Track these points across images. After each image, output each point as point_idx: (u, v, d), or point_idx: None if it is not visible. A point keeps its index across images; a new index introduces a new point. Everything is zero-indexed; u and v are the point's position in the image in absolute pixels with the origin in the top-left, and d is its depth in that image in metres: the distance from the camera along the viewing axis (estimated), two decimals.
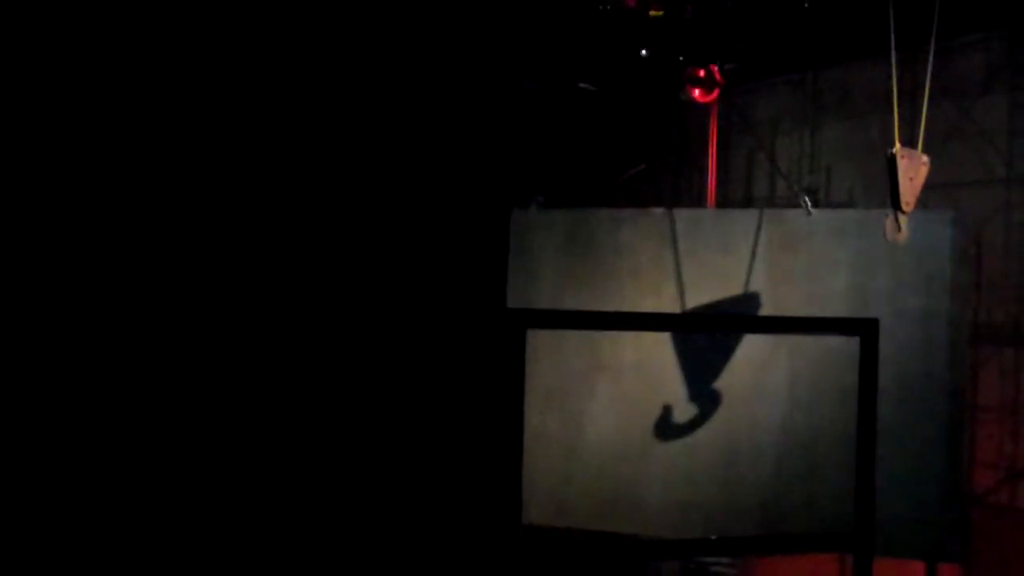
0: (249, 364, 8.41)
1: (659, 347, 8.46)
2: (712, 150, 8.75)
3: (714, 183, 8.74)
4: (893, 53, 7.48)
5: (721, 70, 8.64)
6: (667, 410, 8.41)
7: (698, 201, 8.98)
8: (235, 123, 8.36)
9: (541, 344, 8.61)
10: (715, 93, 8.66)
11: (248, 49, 8.31)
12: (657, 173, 9.14)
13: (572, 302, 8.59)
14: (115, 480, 8.01)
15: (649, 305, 8.53)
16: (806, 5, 8.47)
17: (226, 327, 8.40)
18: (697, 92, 8.64)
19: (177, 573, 8.12)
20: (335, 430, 8.54)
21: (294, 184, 8.42)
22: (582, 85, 9.11)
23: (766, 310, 8.34)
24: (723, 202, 9.24)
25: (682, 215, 8.55)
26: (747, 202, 9.16)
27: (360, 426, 8.55)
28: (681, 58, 8.63)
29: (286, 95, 8.49)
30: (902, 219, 7.21)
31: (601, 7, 8.41)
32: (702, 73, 8.63)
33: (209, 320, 8.35)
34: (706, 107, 8.73)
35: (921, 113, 7.33)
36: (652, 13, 8.37)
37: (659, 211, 8.58)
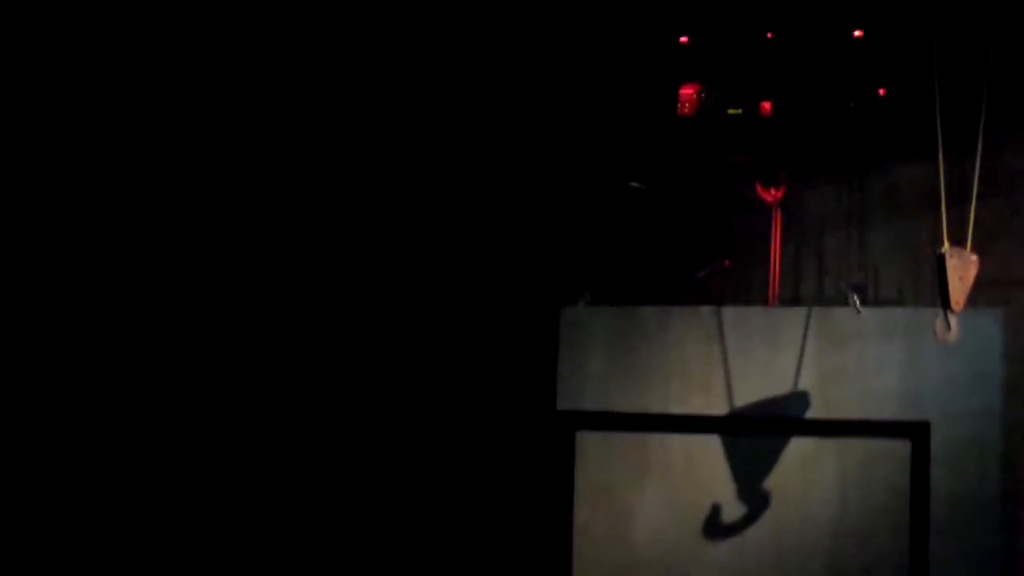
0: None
1: (707, 445, 8.42)
2: (776, 246, 8.79)
3: (778, 280, 8.77)
4: (940, 151, 7.53)
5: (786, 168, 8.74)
6: (716, 509, 8.35)
7: (759, 298, 9.01)
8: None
9: (590, 441, 8.62)
10: (782, 190, 8.74)
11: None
12: (720, 270, 9.16)
13: (621, 398, 8.59)
14: (117, 479, 8.02)
15: (697, 402, 8.52)
16: (852, 106, 8.54)
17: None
18: (765, 190, 8.72)
19: (176, 572, 8.08)
20: (388, 521, 8.55)
21: (340, 286, 8.53)
22: (633, 184, 9.17)
23: (815, 408, 8.31)
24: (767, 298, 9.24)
25: (730, 313, 8.56)
26: (795, 300, 9.13)
27: (415, 526, 8.56)
28: (759, 158, 8.74)
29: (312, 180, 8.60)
30: (952, 318, 7.21)
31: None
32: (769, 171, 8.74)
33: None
34: (766, 206, 8.80)
35: (970, 211, 7.36)
36: (730, 111, 8.49)
37: (707, 309, 8.59)
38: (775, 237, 8.82)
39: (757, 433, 8.38)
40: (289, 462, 8.37)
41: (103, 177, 8.22)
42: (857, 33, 8.45)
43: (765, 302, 8.82)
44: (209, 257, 8.26)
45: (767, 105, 8.57)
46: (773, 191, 8.75)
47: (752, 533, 8.32)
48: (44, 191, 8.12)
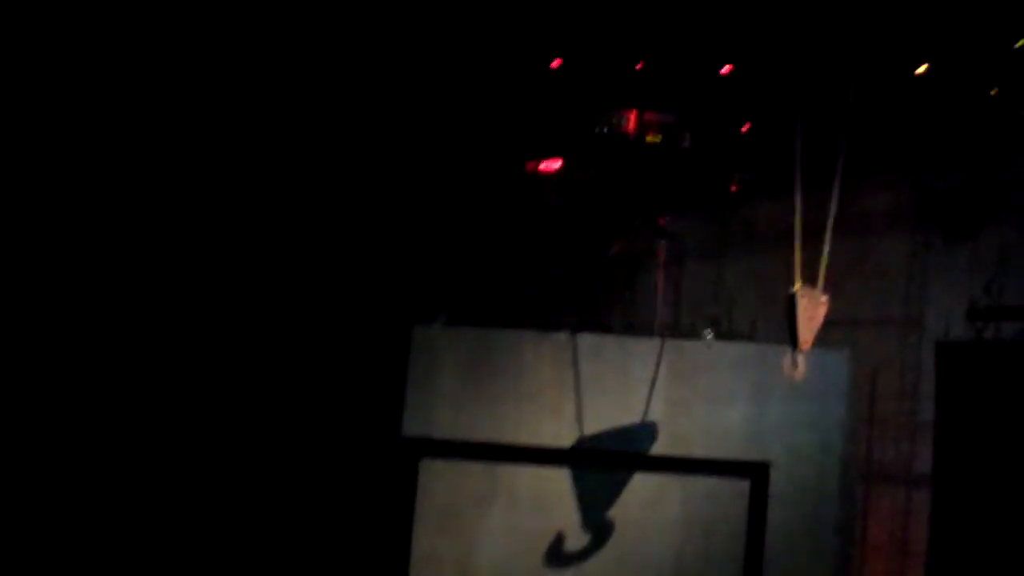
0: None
1: (554, 475, 8.43)
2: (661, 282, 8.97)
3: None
4: (798, 192, 7.62)
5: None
6: (559, 538, 8.36)
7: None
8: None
9: (435, 469, 8.54)
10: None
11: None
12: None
13: (470, 424, 8.54)
14: (98, 479, 7.80)
15: (548, 428, 8.53)
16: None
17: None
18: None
19: (175, 571, 7.88)
20: (229, 543, 8.39)
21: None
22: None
23: (663, 439, 8.37)
24: (626, 329, 9.31)
25: (584, 340, 8.58)
26: (651, 329, 9.20)
27: (255, 548, 8.40)
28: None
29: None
30: (800, 356, 7.30)
31: (598, 131, 8.57)
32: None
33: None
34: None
35: (823, 250, 7.46)
36: (649, 139, 8.52)
37: (562, 335, 8.60)
38: (660, 274, 9.00)
39: (604, 466, 8.41)
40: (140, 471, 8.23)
41: (100, 177, 8.00)
42: (725, 69, 8.54)
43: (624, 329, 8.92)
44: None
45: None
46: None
47: (593, 564, 8.35)
48: (36, 191, 7.89)
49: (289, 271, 8.56)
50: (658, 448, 8.34)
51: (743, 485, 8.20)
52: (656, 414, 8.36)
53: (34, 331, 7.95)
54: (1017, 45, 7.43)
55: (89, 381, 8.05)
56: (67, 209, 8.03)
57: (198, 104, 8.13)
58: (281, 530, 8.50)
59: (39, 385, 7.92)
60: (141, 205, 8.18)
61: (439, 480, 8.52)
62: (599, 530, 8.32)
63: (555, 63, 8.61)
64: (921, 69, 7.88)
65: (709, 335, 8.44)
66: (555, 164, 8.80)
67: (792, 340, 7.28)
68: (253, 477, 8.39)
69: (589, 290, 9.42)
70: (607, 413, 8.45)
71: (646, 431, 8.33)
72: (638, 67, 8.54)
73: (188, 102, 8.09)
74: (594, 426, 8.42)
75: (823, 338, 7.50)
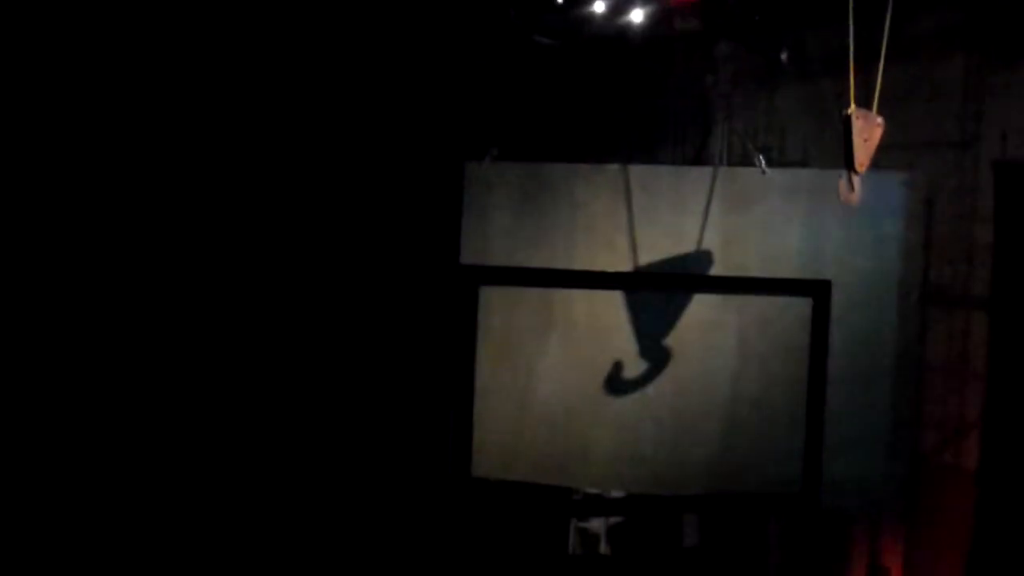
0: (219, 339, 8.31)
1: (611, 303, 8.47)
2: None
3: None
4: (851, 13, 7.48)
5: None
6: (617, 366, 8.43)
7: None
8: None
9: (494, 300, 8.61)
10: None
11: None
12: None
13: (525, 257, 8.58)
14: (101, 480, 7.92)
15: (602, 260, 8.54)
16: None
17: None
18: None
19: (175, 572, 8.05)
20: (292, 388, 8.51)
21: (240, 134, 8.33)
22: (538, 39, 9.02)
23: (718, 268, 8.37)
24: (680, 160, 9.25)
25: (637, 171, 8.54)
26: (702, 160, 9.13)
27: (315, 383, 8.52)
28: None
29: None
30: (855, 180, 7.24)
31: None
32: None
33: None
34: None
35: (877, 74, 7.35)
36: None
37: (614, 166, 8.55)
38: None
39: (660, 289, 8.42)
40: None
41: (99, 177, 7.94)
42: None
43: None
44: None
45: None
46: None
47: (653, 388, 8.43)
48: (35, 191, 7.85)
49: (343, 111, 8.51)
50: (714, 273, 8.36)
51: (801, 308, 8.20)
52: (711, 243, 8.35)
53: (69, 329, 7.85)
54: None
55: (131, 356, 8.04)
56: (70, 209, 7.90)
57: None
58: (348, 367, 8.59)
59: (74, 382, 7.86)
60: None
61: (497, 310, 8.58)
62: (657, 357, 8.38)
63: None
64: None
65: (762, 162, 8.36)
66: None
67: (848, 163, 7.21)
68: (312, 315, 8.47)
69: (641, 122, 9.31)
70: (661, 244, 8.43)
71: (701, 259, 8.33)
72: None
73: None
74: (648, 257, 8.43)
75: (879, 161, 7.43)
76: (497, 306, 8.59)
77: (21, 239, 7.88)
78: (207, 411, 8.16)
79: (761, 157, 8.39)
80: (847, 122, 7.12)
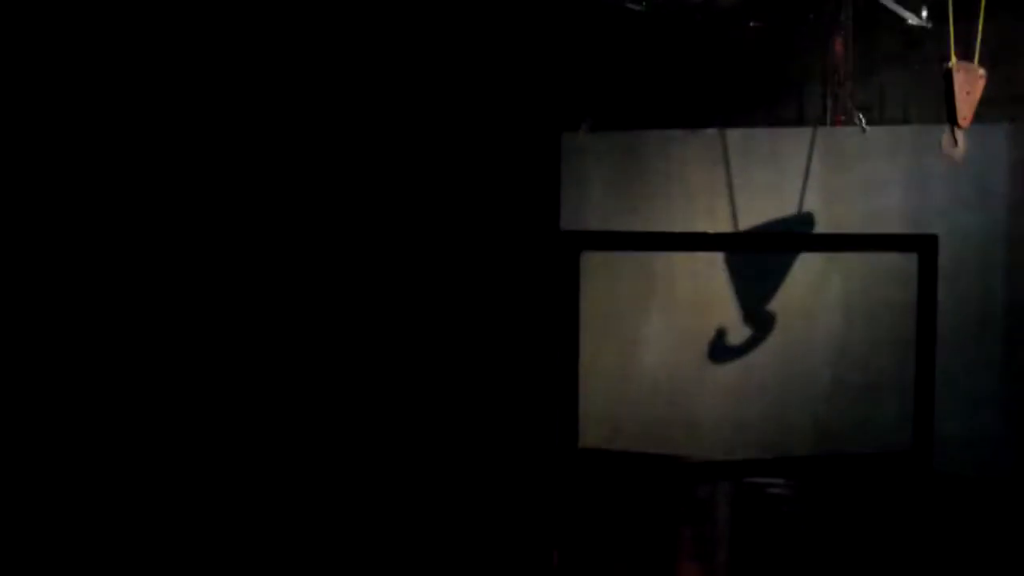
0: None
1: (712, 270, 8.44)
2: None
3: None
4: None
5: None
6: (720, 333, 8.40)
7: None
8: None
9: (594, 269, 8.62)
10: None
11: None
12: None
13: (624, 222, 8.58)
14: (115, 480, 8.05)
15: (702, 227, 8.51)
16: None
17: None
18: None
19: (177, 573, 8.16)
20: (389, 354, 8.59)
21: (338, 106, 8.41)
22: (629, 5, 8.98)
23: (820, 229, 8.30)
24: (775, 121, 9.15)
25: (734, 135, 8.49)
26: (799, 120, 9.04)
27: (416, 349, 8.59)
28: None
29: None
30: (959, 135, 7.14)
31: None
32: None
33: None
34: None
35: (977, 26, 7.23)
36: None
37: (711, 131, 8.51)
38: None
39: (762, 249, 8.37)
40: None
41: (100, 177, 8.05)
42: None
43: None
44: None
45: None
46: None
47: (757, 356, 8.40)
48: (35, 191, 7.98)
49: (440, 85, 8.53)
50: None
51: (906, 266, 8.09)
52: (812, 204, 8.28)
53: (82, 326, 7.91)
54: None
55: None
56: (74, 209, 7.96)
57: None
58: (452, 341, 8.65)
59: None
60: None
61: (598, 277, 8.58)
62: (761, 322, 8.35)
63: None
64: None
65: (862, 120, 8.26)
66: None
67: (950, 117, 7.11)
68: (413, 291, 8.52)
69: (735, 85, 9.23)
70: (761, 207, 8.38)
71: (803, 221, 8.26)
72: None
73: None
74: (749, 220, 8.38)
75: (982, 115, 7.31)
76: (599, 275, 8.60)
77: (21, 239, 7.97)
78: (316, 379, 8.29)
79: (861, 115, 8.29)
80: (948, 76, 7.03)
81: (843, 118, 8.56)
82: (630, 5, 9.01)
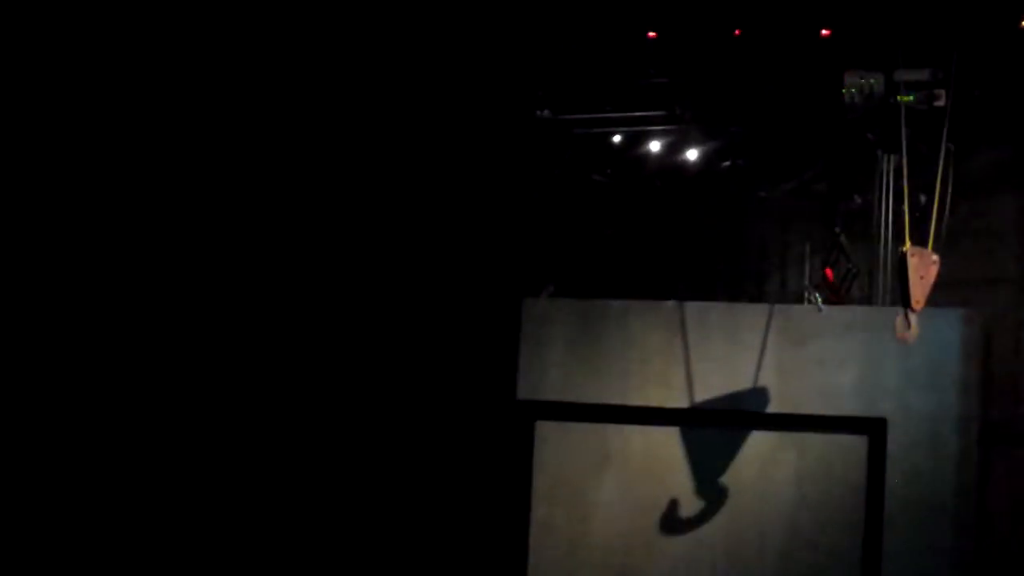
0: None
1: (666, 440, 8.45)
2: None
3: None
4: (905, 154, 7.58)
5: None
6: (673, 504, 8.37)
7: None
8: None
9: (549, 434, 8.62)
10: None
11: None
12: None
13: (581, 390, 8.61)
14: (118, 480, 7.92)
15: (657, 395, 8.54)
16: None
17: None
18: None
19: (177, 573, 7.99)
20: (346, 512, 8.50)
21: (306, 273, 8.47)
22: (596, 177, 9.18)
23: (774, 405, 8.34)
24: (733, 295, 9.29)
25: (692, 307, 8.58)
26: (758, 297, 9.17)
27: (374, 516, 8.51)
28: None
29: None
30: (912, 317, 7.23)
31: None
32: None
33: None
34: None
35: (931, 210, 7.39)
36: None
37: (669, 303, 8.60)
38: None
39: (716, 426, 8.41)
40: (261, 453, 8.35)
41: (102, 177, 8.10)
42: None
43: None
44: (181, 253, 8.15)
45: None
46: None
47: (708, 528, 8.36)
48: (35, 191, 8.02)
49: (407, 251, 8.63)
50: (770, 411, 8.33)
51: (857, 446, 8.15)
52: (767, 379, 8.33)
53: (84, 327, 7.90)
54: None
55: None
56: (77, 208, 8.00)
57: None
58: (402, 496, 8.59)
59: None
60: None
61: (552, 446, 8.60)
62: (713, 495, 8.32)
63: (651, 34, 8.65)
64: None
65: (818, 300, 8.38)
66: None
67: (904, 300, 7.22)
68: (377, 444, 8.50)
69: (696, 261, 9.38)
70: (716, 380, 8.43)
71: (757, 396, 8.30)
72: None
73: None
74: (704, 392, 8.41)
75: (935, 299, 7.43)
76: (552, 441, 8.61)
77: (21, 239, 7.88)
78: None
79: (817, 295, 8.42)
80: (903, 260, 7.15)
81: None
82: (595, 176, 9.21)
